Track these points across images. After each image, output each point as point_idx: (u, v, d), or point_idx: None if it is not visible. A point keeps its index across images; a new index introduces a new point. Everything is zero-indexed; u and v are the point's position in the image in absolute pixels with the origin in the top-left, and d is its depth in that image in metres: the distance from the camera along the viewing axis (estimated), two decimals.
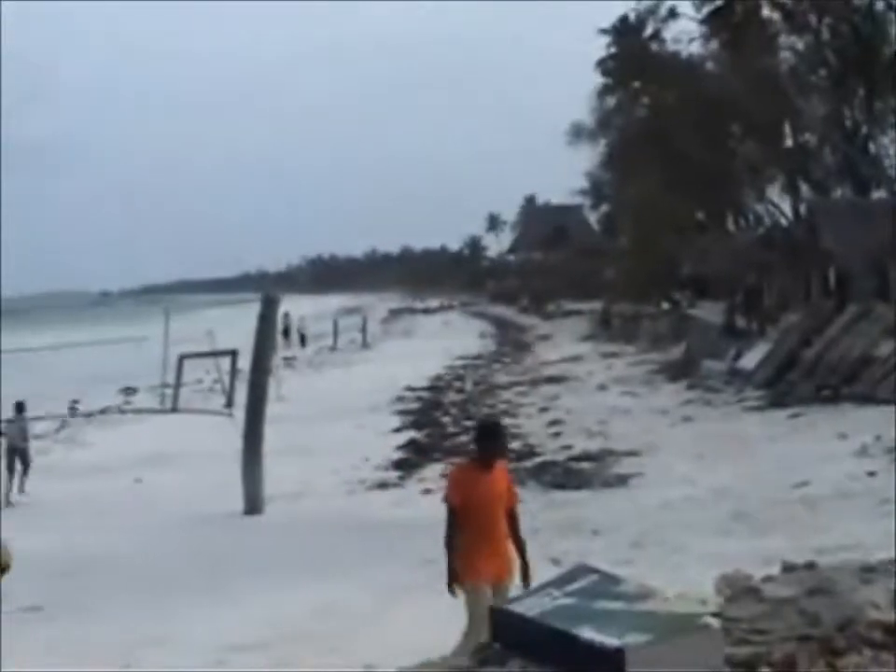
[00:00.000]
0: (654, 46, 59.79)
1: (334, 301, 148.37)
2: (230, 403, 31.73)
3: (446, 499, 9.77)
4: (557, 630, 2.44)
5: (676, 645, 2.37)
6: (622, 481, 19.93)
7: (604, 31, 64.30)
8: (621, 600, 2.55)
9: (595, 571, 2.69)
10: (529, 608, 2.54)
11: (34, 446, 28.51)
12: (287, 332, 72.67)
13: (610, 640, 2.35)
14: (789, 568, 3.45)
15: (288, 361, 54.43)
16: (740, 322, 42.44)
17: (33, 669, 11.49)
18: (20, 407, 24.55)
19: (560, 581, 2.64)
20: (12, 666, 11.58)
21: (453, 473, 10.81)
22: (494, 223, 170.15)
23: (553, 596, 2.58)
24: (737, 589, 2.98)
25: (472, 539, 9.45)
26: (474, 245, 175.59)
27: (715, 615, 2.56)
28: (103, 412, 38.40)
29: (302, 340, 72.45)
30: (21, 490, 23.04)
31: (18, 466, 23.26)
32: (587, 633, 2.40)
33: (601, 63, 66.02)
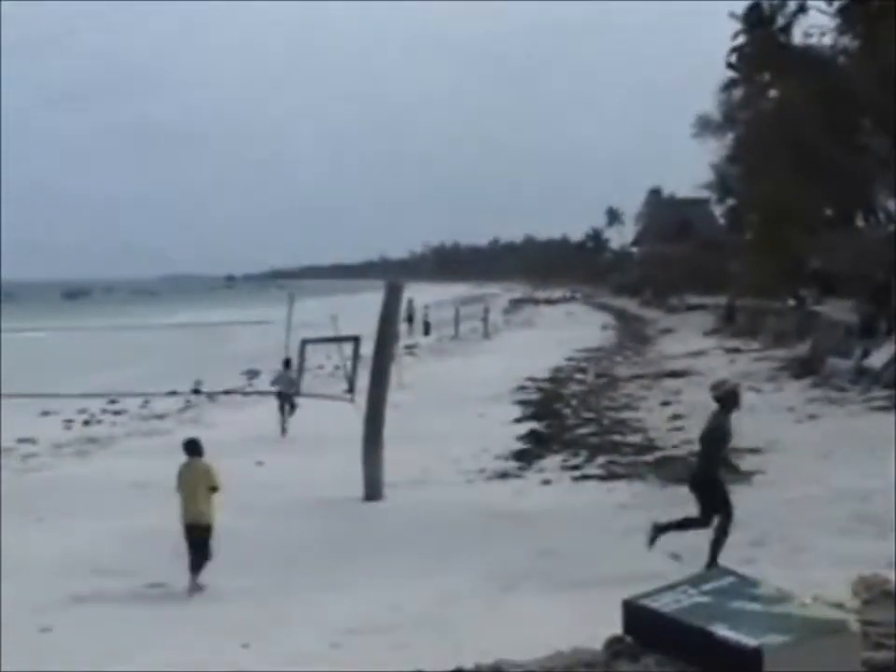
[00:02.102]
0: (784, 38, 58.90)
1: (456, 290, 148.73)
2: (351, 389, 31.97)
3: None
4: (693, 627, 2.43)
5: (813, 647, 2.35)
6: (744, 478, 19.68)
7: (734, 16, 63.43)
8: (757, 601, 2.53)
9: (731, 573, 2.68)
10: (664, 604, 2.54)
11: (156, 426, 29.07)
12: (410, 319, 73.09)
13: (748, 640, 2.34)
14: None
15: (410, 349, 54.66)
16: (869, 320, 41.68)
17: (154, 646, 11.72)
18: (287, 363, 31.08)
19: (695, 580, 2.63)
20: (134, 641, 11.84)
21: None
22: (613, 217, 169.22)
23: (689, 594, 2.57)
24: (875, 592, 2.95)
25: None
26: (597, 236, 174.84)
27: (852, 619, 2.54)
28: (226, 393, 38.91)
29: (426, 327, 72.76)
30: (285, 428, 28.80)
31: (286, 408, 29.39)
32: (724, 631, 2.38)
33: (729, 55, 65.19)
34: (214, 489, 14.56)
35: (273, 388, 30.74)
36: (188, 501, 14.54)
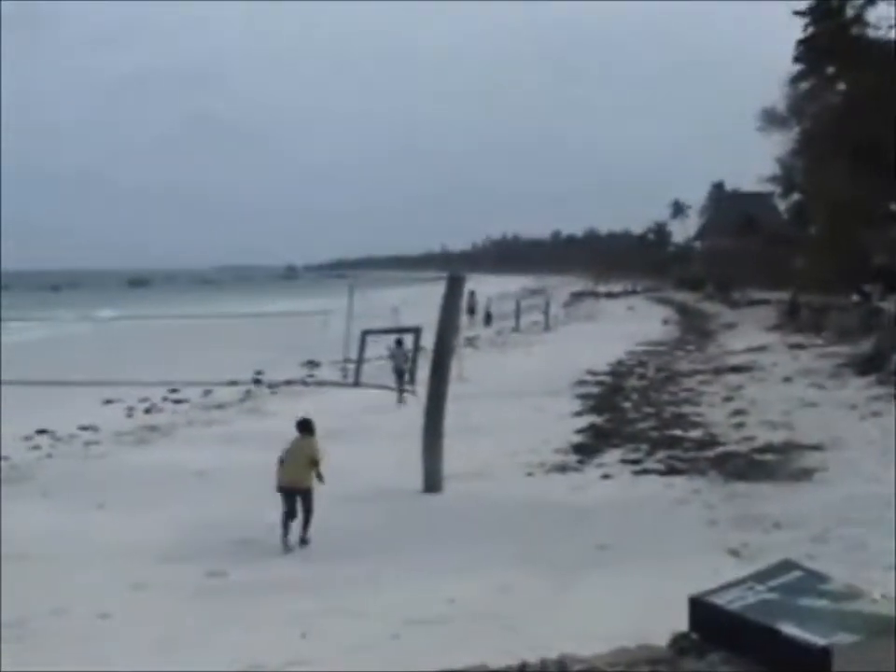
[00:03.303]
0: (853, 31, 58.32)
1: (517, 282, 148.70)
2: (412, 380, 32.08)
3: None
4: (760, 624, 2.39)
5: (884, 646, 2.30)
6: (805, 474, 19.53)
7: (800, 13, 62.87)
8: (826, 598, 2.48)
9: (800, 568, 2.63)
10: (730, 600, 2.50)
11: (217, 415, 29.27)
12: (472, 311, 73.22)
13: (816, 638, 2.30)
14: None
15: (470, 341, 54.72)
16: None
17: (212, 634, 11.78)
18: (399, 342, 35.14)
19: (762, 576, 2.59)
20: (192, 630, 11.90)
21: None
22: (678, 210, 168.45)
23: (756, 591, 2.53)
24: None
25: None
26: (659, 230, 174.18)
27: None
28: (287, 383, 39.08)
29: (488, 319, 72.87)
30: (401, 400, 32.01)
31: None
32: (791, 629, 2.34)
33: (796, 48, 64.60)
34: (315, 462, 16.52)
35: (389, 362, 35.10)
36: (287, 467, 16.49)
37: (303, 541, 16.09)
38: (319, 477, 16.48)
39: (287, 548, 15.79)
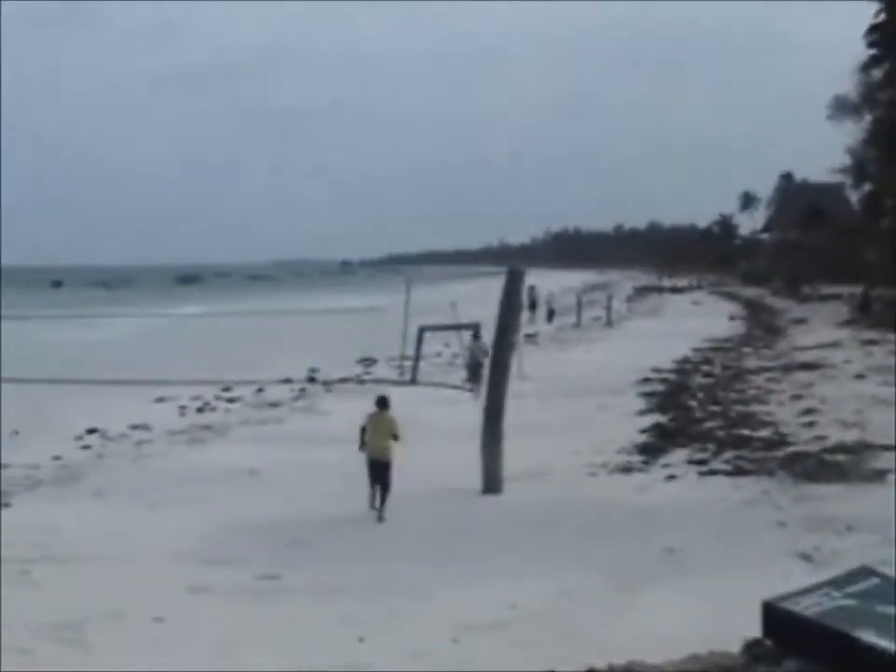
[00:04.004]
0: None
1: (578, 277, 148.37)
2: (471, 378, 32.10)
3: None
4: (837, 631, 2.39)
5: None
6: (878, 476, 19.36)
7: None
8: None
9: (877, 574, 2.63)
10: (806, 606, 2.50)
11: (270, 414, 29.49)
12: (533, 306, 73.10)
13: (894, 646, 2.30)
14: None
15: (531, 337, 54.63)
16: None
17: (267, 638, 11.84)
18: (476, 335, 35.85)
19: (839, 582, 2.59)
20: (247, 634, 11.97)
21: None
22: (748, 201, 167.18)
23: (832, 597, 2.53)
24: None
25: None
26: (725, 223, 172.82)
27: None
28: (342, 381, 39.19)
29: (551, 315, 72.72)
30: (476, 393, 31.08)
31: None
32: (869, 636, 2.34)
33: (868, 34, 64.05)
34: (395, 437, 18.75)
35: (465, 355, 36.52)
36: (374, 442, 18.69)
37: (380, 518, 17.85)
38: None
39: (375, 514, 17.99)
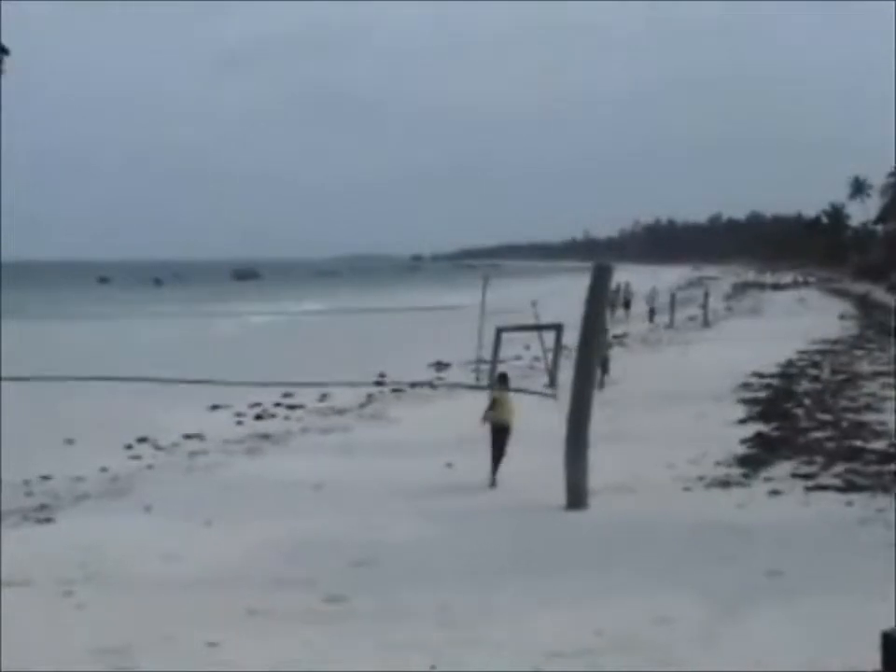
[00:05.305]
0: None
1: (671, 273, 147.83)
2: (553, 383, 32.04)
3: None
4: None
5: None
6: None
7: None
8: None
9: None
10: None
11: (335, 421, 29.61)
12: (627, 305, 73.04)
13: None
14: None
15: (619, 339, 54.47)
16: None
17: (330, 665, 11.83)
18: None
19: None
20: (308, 660, 11.97)
21: None
22: (859, 188, 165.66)
23: None
24: None
25: None
26: (835, 212, 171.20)
27: None
28: (412, 385, 39.20)
29: (651, 314, 72.57)
30: (601, 386, 32.27)
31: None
32: None
33: None
34: (511, 411, 22.52)
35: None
36: (499, 410, 22.38)
37: (492, 484, 21.62)
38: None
39: (493, 483, 21.64)
